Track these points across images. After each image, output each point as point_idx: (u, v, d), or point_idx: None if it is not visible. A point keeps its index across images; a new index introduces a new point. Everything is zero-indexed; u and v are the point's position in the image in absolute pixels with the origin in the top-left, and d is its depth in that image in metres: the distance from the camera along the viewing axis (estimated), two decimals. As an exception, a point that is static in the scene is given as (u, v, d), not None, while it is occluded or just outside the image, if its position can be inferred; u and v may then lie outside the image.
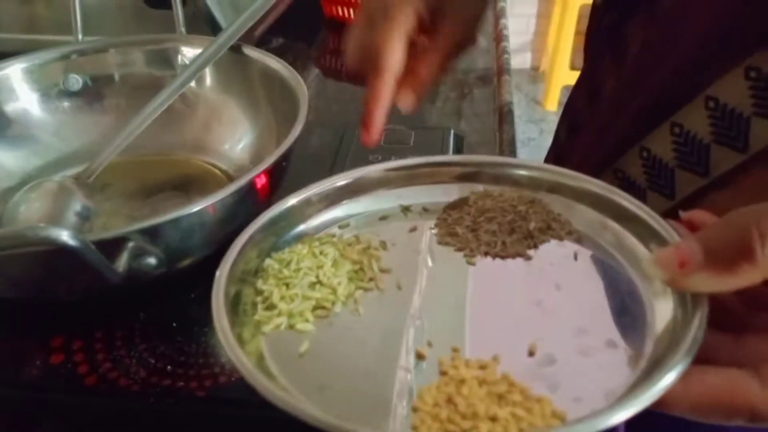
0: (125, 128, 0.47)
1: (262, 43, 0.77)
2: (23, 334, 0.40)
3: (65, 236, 0.28)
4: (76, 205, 0.44)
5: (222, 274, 0.29)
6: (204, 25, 0.69)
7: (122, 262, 0.34)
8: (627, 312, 0.28)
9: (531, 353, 0.27)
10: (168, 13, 0.68)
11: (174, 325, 0.41)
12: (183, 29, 0.57)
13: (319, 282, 0.31)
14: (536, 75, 2.51)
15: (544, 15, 2.35)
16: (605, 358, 0.26)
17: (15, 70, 0.51)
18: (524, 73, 2.50)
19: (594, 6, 0.52)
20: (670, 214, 0.31)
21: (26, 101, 0.52)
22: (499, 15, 0.88)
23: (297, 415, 0.23)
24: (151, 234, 0.36)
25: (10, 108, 0.51)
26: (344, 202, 0.36)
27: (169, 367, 0.38)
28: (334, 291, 0.31)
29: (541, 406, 0.24)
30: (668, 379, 0.23)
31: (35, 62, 0.52)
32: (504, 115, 0.64)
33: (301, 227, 0.35)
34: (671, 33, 0.40)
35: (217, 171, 0.53)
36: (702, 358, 0.24)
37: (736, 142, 0.36)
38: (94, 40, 0.54)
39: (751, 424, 0.24)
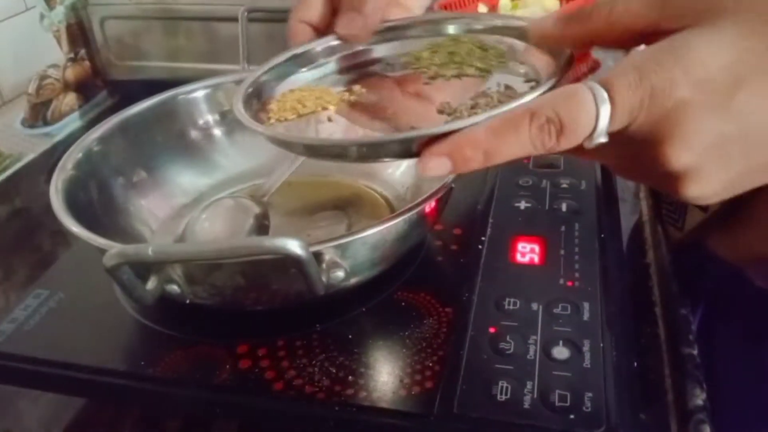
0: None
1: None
2: (211, 341, 0.43)
3: (295, 246, 0.31)
4: (255, 221, 0.47)
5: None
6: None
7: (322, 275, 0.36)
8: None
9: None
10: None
11: (350, 336, 0.42)
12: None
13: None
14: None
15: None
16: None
17: (198, 94, 0.55)
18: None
19: None
20: None
21: (206, 124, 0.57)
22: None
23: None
24: (343, 249, 0.38)
25: (192, 130, 0.56)
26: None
27: (350, 377, 0.40)
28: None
29: None
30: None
31: (215, 87, 0.56)
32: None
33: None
34: None
35: (372, 192, 0.56)
36: None
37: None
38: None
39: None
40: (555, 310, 0.42)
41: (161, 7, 0.81)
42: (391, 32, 0.42)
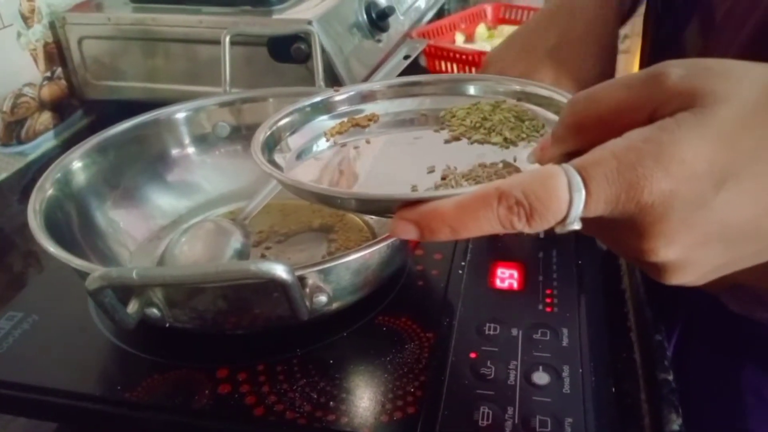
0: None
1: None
2: (191, 365, 0.43)
3: (281, 271, 0.31)
4: (236, 244, 0.47)
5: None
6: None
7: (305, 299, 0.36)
8: None
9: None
10: (290, 66, 0.73)
11: (331, 361, 0.42)
12: (322, 83, 0.60)
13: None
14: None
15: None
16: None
17: (180, 116, 0.55)
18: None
19: (646, 21, 0.54)
20: None
21: (186, 146, 0.57)
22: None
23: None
24: (326, 273, 0.38)
25: (172, 152, 0.56)
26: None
27: (331, 402, 0.39)
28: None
29: None
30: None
31: (196, 109, 0.56)
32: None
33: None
34: (727, 38, 0.41)
35: (353, 215, 0.56)
36: None
37: None
38: (257, 90, 0.58)
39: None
40: (534, 336, 0.43)
41: (140, 28, 0.81)
42: (449, 84, 0.43)
